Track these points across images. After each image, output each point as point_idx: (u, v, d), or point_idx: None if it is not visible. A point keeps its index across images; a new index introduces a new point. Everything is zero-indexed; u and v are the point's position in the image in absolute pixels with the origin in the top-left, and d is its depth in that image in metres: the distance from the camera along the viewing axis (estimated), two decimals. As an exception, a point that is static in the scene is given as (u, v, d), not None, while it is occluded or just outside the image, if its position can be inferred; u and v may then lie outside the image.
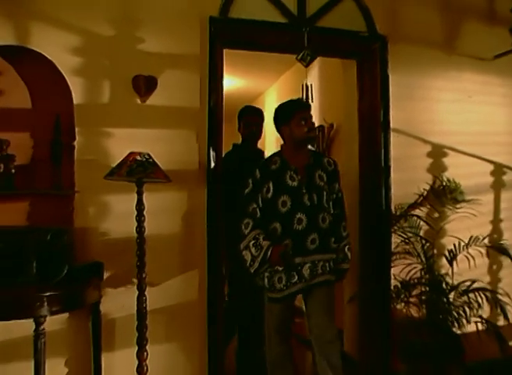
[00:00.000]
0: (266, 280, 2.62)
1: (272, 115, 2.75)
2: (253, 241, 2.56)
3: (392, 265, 3.08)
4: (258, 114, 3.43)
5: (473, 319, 2.88)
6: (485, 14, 3.40)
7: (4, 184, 2.57)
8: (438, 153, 3.27)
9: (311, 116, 2.70)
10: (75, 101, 2.62)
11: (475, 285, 2.93)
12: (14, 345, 2.43)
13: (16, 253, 2.31)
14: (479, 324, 2.97)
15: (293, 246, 2.55)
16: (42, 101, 2.68)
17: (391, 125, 3.14)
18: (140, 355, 2.48)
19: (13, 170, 2.59)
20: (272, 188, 2.61)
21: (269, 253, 2.52)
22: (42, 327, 2.15)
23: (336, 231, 2.71)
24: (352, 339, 3.37)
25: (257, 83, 6.24)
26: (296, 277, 2.58)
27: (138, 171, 2.37)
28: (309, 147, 2.85)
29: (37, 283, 2.29)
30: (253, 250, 2.55)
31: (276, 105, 2.79)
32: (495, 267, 3.44)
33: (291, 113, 2.67)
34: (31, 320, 2.16)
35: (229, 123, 3.59)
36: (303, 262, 2.58)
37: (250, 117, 3.36)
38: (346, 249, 2.73)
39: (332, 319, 2.65)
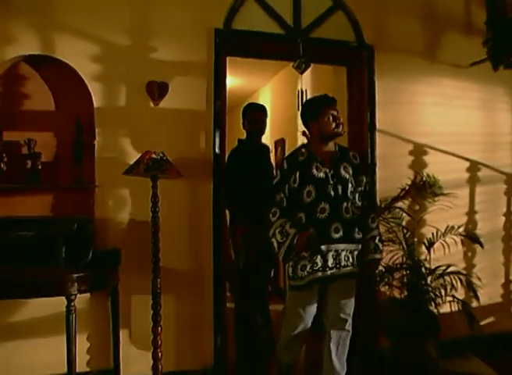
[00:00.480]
0: (290, 269, 2.71)
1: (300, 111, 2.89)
2: (279, 229, 2.64)
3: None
4: (263, 110, 3.65)
5: (448, 298, 3.24)
6: (463, 26, 3.73)
7: (31, 179, 2.88)
8: (419, 151, 3.62)
9: (337, 112, 2.77)
10: (95, 105, 2.93)
11: (450, 269, 3.29)
12: (47, 321, 2.75)
13: (46, 240, 2.63)
14: (453, 305, 3.33)
15: (317, 234, 2.61)
16: (65, 104, 2.99)
17: (377, 126, 3.48)
18: (155, 330, 2.80)
19: (40, 166, 2.90)
20: (298, 179, 2.68)
21: (295, 240, 2.60)
22: (73, 304, 2.48)
23: (364, 222, 2.78)
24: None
25: (252, 82, 6.52)
26: (320, 265, 2.64)
27: (154, 168, 2.68)
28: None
29: (66, 266, 2.61)
30: (278, 237, 2.63)
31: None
32: (469, 254, 3.81)
33: (320, 109, 2.75)
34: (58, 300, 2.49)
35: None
36: (326, 250, 2.65)
37: (256, 114, 3.58)
38: (376, 240, 2.81)
39: (351, 312, 2.75)
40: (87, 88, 2.91)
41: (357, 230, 2.75)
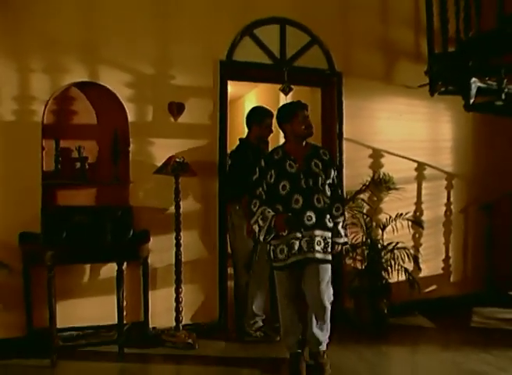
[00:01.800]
0: (271, 252, 3.11)
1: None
2: (260, 216, 3.04)
3: (344, 233, 4.41)
4: (273, 116, 3.78)
5: (398, 268, 4.24)
6: (413, 56, 4.66)
7: (80, 177, 3.76)
8: (377, 155, 4.60)
9: (308, 116, 3.16)
10: (129, 120, 3.81)
11: (398, 245, 4.29)
12: (95, 284, 3.67)
13: (98, 224, 3.51)
14: (402, 274, 4.32)
15: (296, 220, 3.00)
16: (105, 119, 3.86)
17: (344, 135, 4.45)
18: (177, 291, 3.73)
19: (87, 167, 3.77)
20: (274, 175, 3.07)
21: (273, 222, 3.00)
22: (121, 269, 3.39)
23: (330, 211, 3.13)
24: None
25: (239, 88, 7.41)
26: (296, 248, 3.01)
27: (178, 169, 3.60)
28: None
29: (113, 243, 3.51)
30: (260, 222, 3.03)
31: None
32: (417, 236, 4.82)
33: (292, 113, 3.12)
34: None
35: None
36: (301, 236, 3.01)
37: (271, 120, 3.84)
38: (339, 226, 3.17)
39: (324, 290, 3.08)
40: (123, 107, 3.79)
41: (328, 217, 3.11)
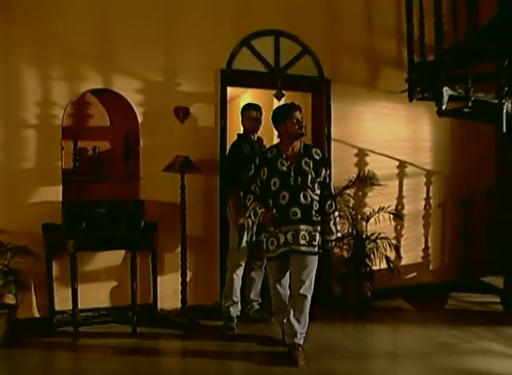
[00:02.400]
0: (264, 244, 3.41)
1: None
2: (252, 211, 3.33)
3: (332, 225, 4.88)
4: (256, 109, 4.17)
5: (379, 255, 4.72)
6: (395, 63, 5.11)
7: (96, 173, 4.20)
8: (362, 154, 5.06)
9: (301, 117, 3.34)
10: (139, 122, 4.24)
11: (381, 236, 4.77)
12: (107, 270, 4.12)
13: (113, 215, 3.94)
14: (384, 262, 4.79)
15: (280, 216, 3.27)
16: (117, 122, 4.30)
17: (332, 136, 4.91)
18: (183, 275, 4.17)
19: (101, 165, 4.21)
20: (266, 172, 3.32)
21: (261, 218, 3.30)
22: (135, 256, 3.84)
23: (322, 208, 3.32)
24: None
25: (236, 89, 7.82)
26: (282, 241, 3.29)
27: (184, 167, 4.03)
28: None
29: (127, 232, 3.94)
30: (252, 217, 3.34)
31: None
32: (399, 227, 5.30)
33: (287, 114, 3.31)
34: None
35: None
36: (287, 230, 3.26)
37: (250, 112, 4.13)
38: (330, 223, 3.36)
39: (305, 280, 3.29)
40: (133, 111, 4.21)
41: (314, 213, 3.28)
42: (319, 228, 3.33)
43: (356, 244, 4.78)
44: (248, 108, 4.23)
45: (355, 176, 4.97)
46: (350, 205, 4.92)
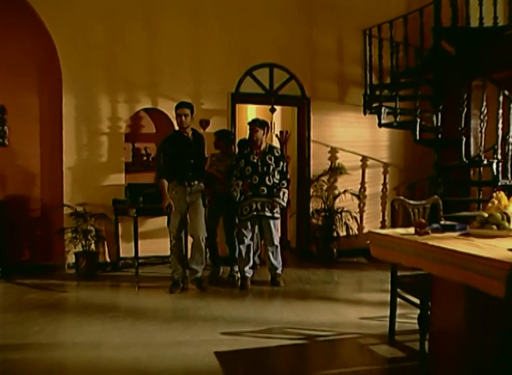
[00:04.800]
0: (239, 210, 5.08)
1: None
2: (235, 186, 5.04)
3: (311, 202, 6.84)
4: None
5: (343, 224, 6.66)
6: (360, 84, 6.96)
7: (146, 166, 6.19)
8: (333, 151, 6.98)
9: (256, 130, 5.04)
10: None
11: (344, 210, 6.71)
12: (157, 229, 6.10)
13: (157, 193, 5.90)
14: (350, 231, 6.72)
15: (252, 192, 5.00)
16: (161, 130, 6.27)
17: (311, 138, 6.84)
18: (205, 234, 6.15)
19: (150, 160, 6.19)
20: (243, 162, 5.04)
21: (241, 186, 5.02)
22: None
23: (277, 186, 5.03)
24: (292, 235, 7.17)
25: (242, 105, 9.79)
26: (254, 207, 5.01)
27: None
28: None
29: (168, 204, 5.92)
30: (237, 189, 5.03)
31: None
32: (361, 205, 7.22)
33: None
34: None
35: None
36: (257, 201, 4.99)
37: (181, 109, 5.01)
38: (280, 194, 5.01)
39: (275, 236, 5.11)
40: (171, 122, 6.14)
41: (275, 191, 5.02)
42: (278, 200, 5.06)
43: (326, 216, 6.73)
44: (178, 106, 5.13)
45: (328, 167, 6.90)
46: (324, 188, 6.85)
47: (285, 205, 5.20)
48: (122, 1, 5.98)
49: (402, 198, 3.81)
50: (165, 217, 5.37)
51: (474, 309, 2.50)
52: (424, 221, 3.00)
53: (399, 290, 3.58)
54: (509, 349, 2.29)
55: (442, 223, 3.21)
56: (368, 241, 3.21)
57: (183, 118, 4.96)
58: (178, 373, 3.09)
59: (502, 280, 2.04)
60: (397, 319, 3.66)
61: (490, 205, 3.08)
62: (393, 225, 3.62)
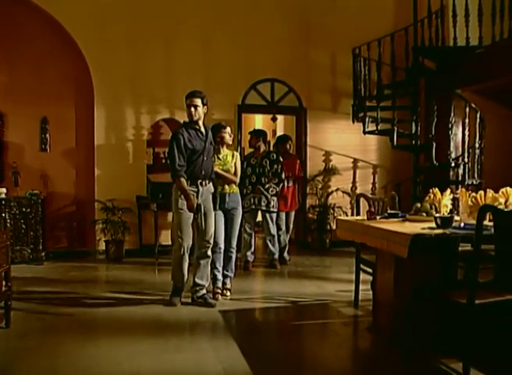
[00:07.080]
0: (243, 202, 5.53)
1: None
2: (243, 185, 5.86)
3: (308, 198, 7.84)
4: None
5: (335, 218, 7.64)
6: (350, 96, 7.93)
7: (166, 167, 7.24)
8: (327, 154, 7.97)
9: (258, 140, 6.13)
10: (189, 137, 7.26)
11: (336, 206, 7.69)
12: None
13: (175, 190, 6.96)
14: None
15: (251, 189, 5.94)
16: (177, 136, 7.33)
17: (308, 143, 7.84)
18: (215, 226, 7.19)
19: (168, 162, 7.24)
20: (245, 165, 5.91)
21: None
22: (188, 212, 6.88)
23: (272, 185, 5.96)
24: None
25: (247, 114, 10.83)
26: (252, 202, 5.94)
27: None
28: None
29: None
30: (248, 189, 6.05)
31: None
32: (352, 201, 8.19)
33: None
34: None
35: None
36: (254, 196, 5.92)
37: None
38: (266, 186, 5.93)
39: (271, 227, 6.14)
40: (186, 130, 7.22)
41: (269, 189, 6.00)
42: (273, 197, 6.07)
43: (321, 211, 7.73)
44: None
45: (323, 168, 7.89)
46: (319, 186, 7.84)
47: (268, 196, 6.04)
48: (144, 28, 7.06)
49: (364, 193, 4.78)
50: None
51: (399, 271, 3.49)
52: (373, 210, 4.00)
53: (362, 265, 4.56)
54: (419, 296, 3.28)
55: (389, 211, 4.21)
56: (335, 226, 4.20)
57: (193, 109, 4.55)
58: (187, 324, 4.14)
59: (406, 246, 3.05)
60: (365, 292, 4.61)
61: (427, 198, 4.06)
62: (357, 214, 4.58)
